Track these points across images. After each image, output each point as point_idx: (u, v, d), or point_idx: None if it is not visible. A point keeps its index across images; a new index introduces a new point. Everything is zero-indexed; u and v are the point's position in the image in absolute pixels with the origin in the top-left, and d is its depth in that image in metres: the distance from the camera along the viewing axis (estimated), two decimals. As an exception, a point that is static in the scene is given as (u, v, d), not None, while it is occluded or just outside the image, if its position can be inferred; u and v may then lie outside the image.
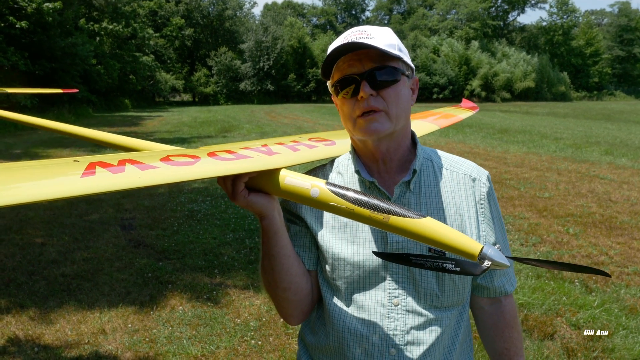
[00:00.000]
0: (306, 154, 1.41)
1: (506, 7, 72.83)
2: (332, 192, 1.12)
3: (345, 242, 1.38)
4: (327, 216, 1.41)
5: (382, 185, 1.38)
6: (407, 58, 1.33)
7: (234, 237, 6.34)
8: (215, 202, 8.09)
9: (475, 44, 60.31)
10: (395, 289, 1.35)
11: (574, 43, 69.79)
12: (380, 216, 1.07)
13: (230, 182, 1.21)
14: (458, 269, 1.07)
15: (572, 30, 71.38)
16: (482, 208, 1.40)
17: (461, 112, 2.60)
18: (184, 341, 3.93)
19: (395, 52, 1.28)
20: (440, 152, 1.48)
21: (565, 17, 72.04)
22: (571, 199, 8.48)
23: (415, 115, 2.21)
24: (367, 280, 1.36)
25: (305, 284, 1.42)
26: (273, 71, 50.12)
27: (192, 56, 54.82)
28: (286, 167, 1.24)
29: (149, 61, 39.35)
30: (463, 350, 1.47)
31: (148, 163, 1.08)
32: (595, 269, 1.06)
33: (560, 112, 35.85)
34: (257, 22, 56.70)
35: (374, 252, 1.28)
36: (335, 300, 1.41)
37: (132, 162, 1.08)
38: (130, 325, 4.17)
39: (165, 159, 1.14)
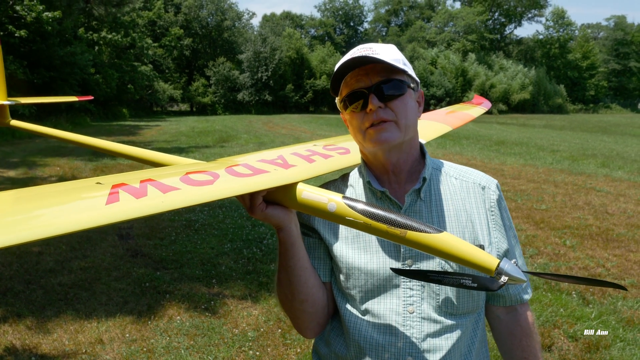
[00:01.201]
0: (322, 165, 1.43)
1: (503, 20, 73.35)
2: (349, 206, 1.14)
3: (359, 251, 1.39)
4: (340, 227, 1.43)
5: (392, 194, 1.40)
6: (412, 72, 1.36)
7: (231, 247, 6.34)
8: (213, 212, 8.09)
9: (472, 56, 60.65)
10: (410, 296, 1.36)
11: (571, 56, 70.26)
12: (397, 231, 1.08)
13: (248, 197, 1.24)
14: (475, 285, 1.08)
15: (568, 44, 71.88)
16: (492, 215, 1.41)
17: (472, 109, 2.57)
18: (182, 351, 3.92)
19: (401, 66, 1.31)
20: (448, 163, 1.50)
21: (561, 30, 72.57)
22: (568, 211, 8.51)
23: (424, 115, 2.19)
24: (381, 288, 1.37)
25: (321, 296, 1.43)
26: (271, 82, 50.23)
27: (191, 66, 54.92)
28: (303, 181, 1.26)
29: (147, 71, 39.40)
30: (479, 358, 1.47)
31: (169, 184, 1.09)
32: (611, 283, 1.07)
33: (557, 124, 36.00)
34: (255, 32, 56.87)
35: (392, 269, 1.29)
36: (351, 309, 1.42)
37: (153, 182, 1.09)
38: (127, 335, 4.16)
39: (185, 177, 1.15)
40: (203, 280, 5.31)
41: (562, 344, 4.06)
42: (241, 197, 1.24)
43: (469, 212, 1.40)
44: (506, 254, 1.42)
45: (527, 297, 1.49)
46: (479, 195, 1.42)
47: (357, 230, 1.38)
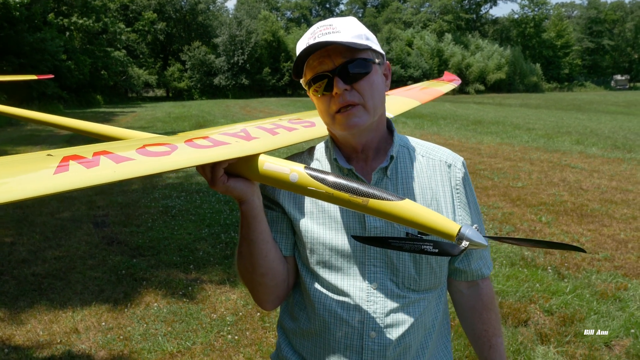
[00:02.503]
0: (285, 137, 1.40)
1: (478, 0, 73.53)
2: (311, 176, 1.13)
3: (324, 227, 1.38)
4: (306, 202, 1.41)
5: (359, 172, 1.38)
6: (376, 45, 1.32)
7: (209, 232, 6.28)
8: (190, 198, 8.00)
9: (448, 36, 60.79)
10: (374, 272, 1.36)
11: (545, 35, 70.90)
12: (359, 199, 1.07)
13: (209, 169, 1.21)
14: (436, 250, 1.08)
15: (543, 23, 72.49)
16: (457, 193, 1.42)
17: (442, 85, 2.57)
18: (159, 338, 3.88)
19: (364, 42, 1.27)
20: (415, 140, 1.49)
21: (536, 9, 73.12)
22: (543, 188, 8.61)
23: (393, 91, 2.17)
24: (345, 264, 1.37)
25: (282, 270, 1.42)
26: (247, 65, 49.74)
27: (165, 51, 54.04)
28: (265, 152, 1.24)
29: (120, 56, 38.68)
30: (441, 332, 1.50)
31: (123, 155, 1.06)
32: (570, 245, 1.08)
33: (533, 103, 36.37)
34: (230, 16, 56.16)
35: (352, 236, 1.29)
36: (315, 285, 1.42)
37: (107, 153, 1.05)
38: (104, 324, 4.10)
39: (142, 148, 1.11)
40: (180, 266, 5.26)
41: (538, 318, 4.12)
42: (202, 169, 1.21)
43: (435, 190, 1.40)
44: None
45: (488, 272, 1.51)
46: (445, 173, 1.42)
47: (322, 206, 1.39)
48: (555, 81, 68.44)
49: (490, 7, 76.98)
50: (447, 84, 2.60)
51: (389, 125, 1.44)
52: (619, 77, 72.65)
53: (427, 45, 58.61)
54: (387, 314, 1.36)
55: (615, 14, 75.79)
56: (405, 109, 1.95)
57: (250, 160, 1.21)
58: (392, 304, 1.36)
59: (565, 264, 5.17)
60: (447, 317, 1.53)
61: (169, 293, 4.64)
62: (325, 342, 1.41)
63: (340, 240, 1.37)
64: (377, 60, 1.31)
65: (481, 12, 75.83)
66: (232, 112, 26.55)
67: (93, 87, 36.94)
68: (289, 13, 79.65)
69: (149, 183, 9.20)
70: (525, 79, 61.34)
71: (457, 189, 1.42)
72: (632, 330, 3.89)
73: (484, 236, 1.03)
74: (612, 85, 71.27)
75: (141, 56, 48.59)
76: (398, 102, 1.97)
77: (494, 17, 77.64)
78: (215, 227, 6.48)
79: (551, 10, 74.66)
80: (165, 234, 6.23)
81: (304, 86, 1.37)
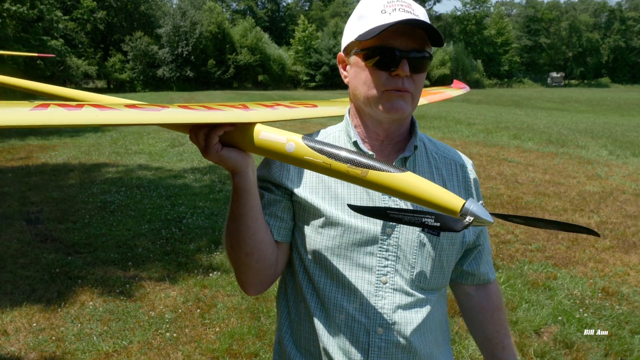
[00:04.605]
0: (284, 112, 1.33)
1: (423, -4, 74.97)
2: (309, 146, 1.06)
3: (340, 212, 1.33)
4: (318, 187, 1.35)
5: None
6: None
7: (149, 228, 6.14)
8: (130, 193, 7.80)
9: (393, 32, 61.63)
10: (384, 266, 1.32)
11: (486, 32, 73.10)
12: (358, 171, 1.01)
13: (203, 136, 1.13)
14: (438, 224, 1.01)
15: (484, 20, 74.65)
16: (469, 196, 1.41)
17: (453, 91, 2.62)
18: (94, 338, 3.77)
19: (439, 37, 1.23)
20: (429, 137, 1.48)
21: (478, 7, 75.19)
22: (482, 181, 8.88)
23: None
24: (355, 258, 1.33)
25: (270, 253, 1.34)
26: (192, 57, 48.87)
27: (106, 41, 52.37)
28: (263, 123, 1.17)
29: (58, 46, 37.11)
30: (444, 332, 1.47)
31: (109, 108, 1.00)
32: (582, 227, 1.04)
33: (474, 98, 37.40)
34: (174, 6, 54.94)
35: (348, 205, 1.19)
36: (322, 277, 1.36)
37: (92, 105, 0.99)
38: (35, 325, 3.94)
39: (130, 106, 1.06)
40: (118, 263, 5.12)
41: (473, 308, 4.25)
42: (195, 137, 1.14)
43: (451, 189, 1.36)
44: (480, 234, 1.44)
45: (493, 277, 1.52)
46: (460, 174, 1.42)
47: (336, 192, 1.33)
48: (495, 77, 70.77)
49: (434, 4, 78.62)
50: (456, 90, 2.68)
51: (412, 119, 1.42)
52: (554, 74, 75.88)
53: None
54: (395, 311, 1.32)
55: (551, 13, 78.99)
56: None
57: (246, 129, 1.14)
58: (400, 301, 1.32)
59: (500, 255, 5.37)
60: (447, 321, 1.51)
61: (105, 291, 4.51)
62: (328, 335, 1.35)
63: (360, 224, 1.32)
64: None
65: (426, 8, 77.26)
66: (176, 105, 25.97)
67: (28, 78, 34.97)
68: (234, 4, 78.63)
69: (87, 177, 8.91)
70: (468, 75, 63.05)
71: (468, 191, 1.42)
72: (560, 318, 4.08)
73: (491, 213, 0.97)
74: (549, 82, 74.36)
75: (80, 46, 46.85)
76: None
77: (437, 14, 79.34)
78: (156, 223, 6.35)
79: (492, 8, 77.09)
80: (102, 230, 6.05)
81: (346, 47, 1.31)
